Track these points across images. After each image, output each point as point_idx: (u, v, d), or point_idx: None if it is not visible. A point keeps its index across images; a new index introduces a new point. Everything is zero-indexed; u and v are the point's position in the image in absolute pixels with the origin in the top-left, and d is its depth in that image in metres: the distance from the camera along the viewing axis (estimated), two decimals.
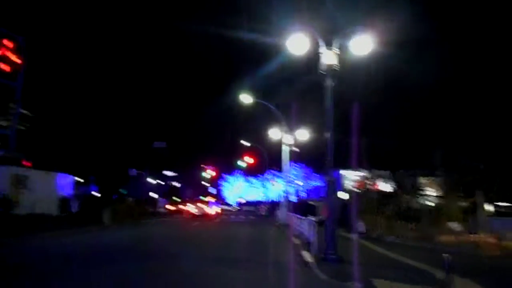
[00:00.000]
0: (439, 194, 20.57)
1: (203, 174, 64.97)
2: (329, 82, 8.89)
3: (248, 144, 37.87)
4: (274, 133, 22.14)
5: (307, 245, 10.94)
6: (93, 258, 9.32)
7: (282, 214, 21.52)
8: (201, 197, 40.73)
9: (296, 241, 12.65)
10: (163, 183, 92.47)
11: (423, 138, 30.04)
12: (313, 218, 10.65)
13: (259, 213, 41.26)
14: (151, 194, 74.24)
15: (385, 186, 35.44)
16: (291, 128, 21.40)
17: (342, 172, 47.26)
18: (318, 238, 9.75)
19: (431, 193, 21.60)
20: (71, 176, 27.17)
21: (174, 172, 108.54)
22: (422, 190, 21.51)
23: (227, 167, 69.61)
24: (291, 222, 17.32)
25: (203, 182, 77.79)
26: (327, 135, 8.92)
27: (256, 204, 53.86)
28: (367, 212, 16.68)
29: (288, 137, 21.01)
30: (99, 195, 70.15)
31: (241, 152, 44.81)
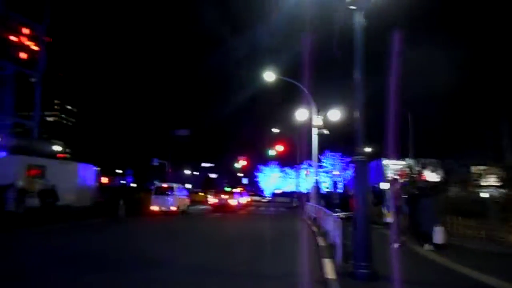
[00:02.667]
0: (499, 184, 16.79)
1: (236, 165, 63.46)
2: (358, 20, 6.17)
3: (277, 131, 35.36)
4: (301, 114, 19.43)
5: (332, 249, 8.37)
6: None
7: (311, 207, 18.90)
8: (226, 188, 38.82)
9: (322, 242, 10.08)
10: (197, 173, 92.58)
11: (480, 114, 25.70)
12: (340, 214, 8.00)
13: (292, 205, 38.75)
14: (187, 185, 74.14)
15: (432, 176, 31.51)
16: (320, 107, 18.62)
17: (384, 161, 43.46)
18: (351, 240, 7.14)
19: (488, 183, 18.05)
20: (92, 166, 26.07)
21: (210, 163, 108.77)
22: (477, 180, 17.99)
23: (261, 158, 67.71)
24: (318, 217, 14.72)
25: (238, 174, 76.60)
26: (357, 97, 6.28)
27: (291, 195, 51.42)
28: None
29: (317, 118, 18.24)
30: (134, 185, 71.07)
31: (272, 140, 42.44)
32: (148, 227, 15.16)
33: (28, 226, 13.26)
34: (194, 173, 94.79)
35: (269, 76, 19.89)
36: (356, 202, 5.98)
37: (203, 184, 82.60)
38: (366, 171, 6.10)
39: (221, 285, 5.86)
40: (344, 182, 46.30)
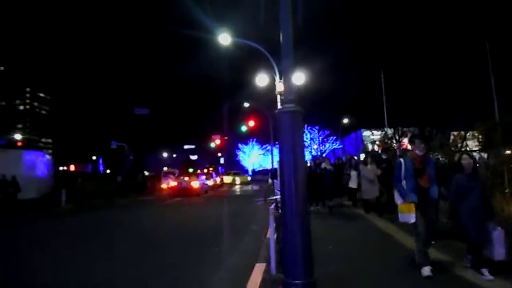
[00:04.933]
0: (479, 148, 14.85)
1: (211, 144, 61.18)
2: None
3: (249, 106, 32.83)
4: (262, 80, 16.94)
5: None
6: None
7: (276, 186, 16.80)
8: (191, 169, 36.63)
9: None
10: (175, 156, 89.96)
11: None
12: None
13: (267, 183, 36.82)
14: (165, 168, 71.96)
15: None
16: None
17: (364, 133, 41.90)
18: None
19: (470, 148, 16.41)
20: (43, 154, 23.50)
21: (191, 144, 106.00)
22: (457, 145, 16.28)
23: (239, 136, 65.46)
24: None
25: (219, 154, 74.37)
26: (284, 38, 3.90)
27: (270, 172, 49.77)
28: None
29: (279, 83, 15.83)
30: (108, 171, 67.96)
31: (244, 116, 39.97)
32: (71, 225, 12.19)
33: None
34: (174, 155, 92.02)
35: (224, 38, 17.18)
36: (282, 179, 3.69)
37: (183, 166, 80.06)
38: (299, 127, 3.79)
39: None
40: (319, 156, 44.79)
